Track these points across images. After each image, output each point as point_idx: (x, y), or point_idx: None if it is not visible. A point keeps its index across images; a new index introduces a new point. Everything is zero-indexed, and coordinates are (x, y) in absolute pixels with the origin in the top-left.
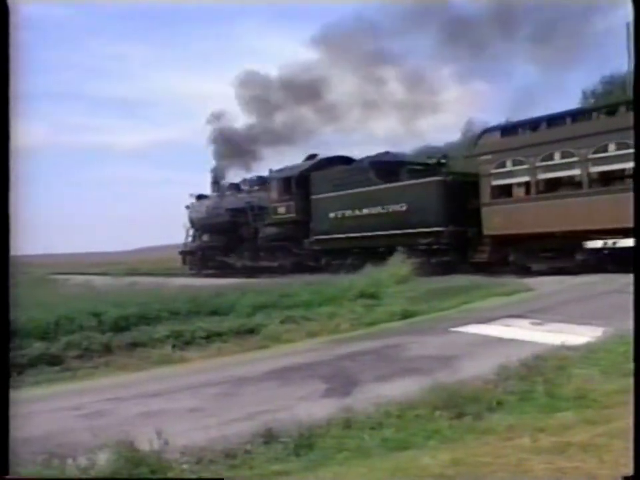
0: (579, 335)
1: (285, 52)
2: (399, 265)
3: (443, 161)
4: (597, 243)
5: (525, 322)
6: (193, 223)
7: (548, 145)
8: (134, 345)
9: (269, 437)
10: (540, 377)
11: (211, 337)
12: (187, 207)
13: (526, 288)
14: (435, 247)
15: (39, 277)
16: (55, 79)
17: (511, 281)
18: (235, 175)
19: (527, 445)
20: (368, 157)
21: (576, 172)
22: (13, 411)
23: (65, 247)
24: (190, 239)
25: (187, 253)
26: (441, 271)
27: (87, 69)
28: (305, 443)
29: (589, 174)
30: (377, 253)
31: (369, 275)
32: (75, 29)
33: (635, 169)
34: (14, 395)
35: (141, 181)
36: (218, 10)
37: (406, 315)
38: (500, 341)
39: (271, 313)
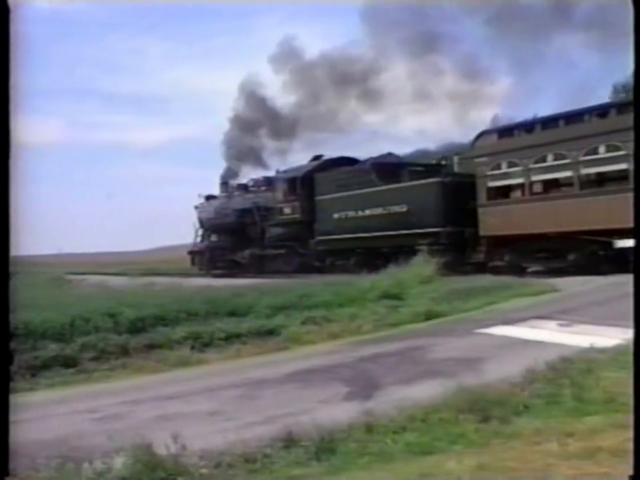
0: (607, 337)
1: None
2: (423, 264)
3: (443, 162)
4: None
5: (551, 323)
6: (201, 223)
7: (541, 147)
8: (151, 347)
9: (289, 440)
10: (568, 379)
11: (229, 338)
12: (196, 207)
13: (552, 288)
14: (433, 247)
15: (53, 277)
16: (70, 75)
17: (536, 281)
18: (252, 174)
19: (555, 450)
20: (370, 159)
21: (568, 174)
22: (27, 413)
23: (81, 246)
24: (199, 239)
25: (195, 253)
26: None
27: (103, 65)
28: (326, 447)
29: (579, 176)
30: (380, 253)
31: (392, 275)
32: (91, 23)
33: (635, 168)
34: (28, 397)
35: (158, 178)
36: (238, 4)
37: (430, 316)
38: (526, 342)
39: (291, 313)
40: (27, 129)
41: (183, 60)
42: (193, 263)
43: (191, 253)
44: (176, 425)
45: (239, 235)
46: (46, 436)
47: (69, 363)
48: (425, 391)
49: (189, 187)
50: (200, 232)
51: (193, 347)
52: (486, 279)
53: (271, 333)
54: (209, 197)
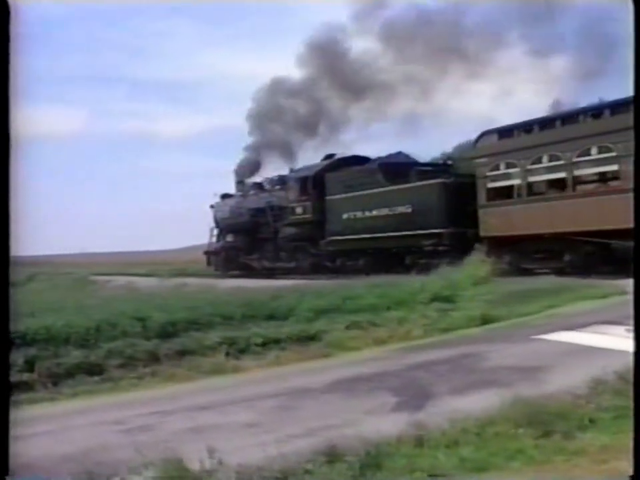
0: None
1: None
2: (478, 264)
3: (449, 162)
4: None
5: (619, 329)
6: (217, 222)
7: (537, 148)
8: (183, 353)
9: (332, 455)
10: None
11: (267, 344)
12: (212, 207)
13: (619, 290)
14: (437, 248)
15: (77, 278)
16: (94, 61)
17: (601, 282)
18: (274, 169)
19: (624, 469)
20: (379, 159)
21: (562, 175)
22: (48, 425)
23: (105, 245)
24: (214, 239)
25: (211, 254)
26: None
27: (128, 49)
28: (372, 462)
29: (574, 177)
30: (389, 254)
31: (443, 275)
32: (116, 5)
33: (635, 168)
34: (49, 407)
35: (188, 172)
36: None
37: (485, 321)
38: (591, 350)
39: (334, 317)
40: (46, 118)
41: (214, 43)
42: (208, 263)
43: (206, 253)
44: (210, 437)
45: (252, 235)
46: (69, 449)
47: (94, 370)
48: (480, 402)
49: (221, 181)
50: (215, 232)
51: (228, 354)
52: (545, 280)
53: (312, 338)
54: (225, 196)
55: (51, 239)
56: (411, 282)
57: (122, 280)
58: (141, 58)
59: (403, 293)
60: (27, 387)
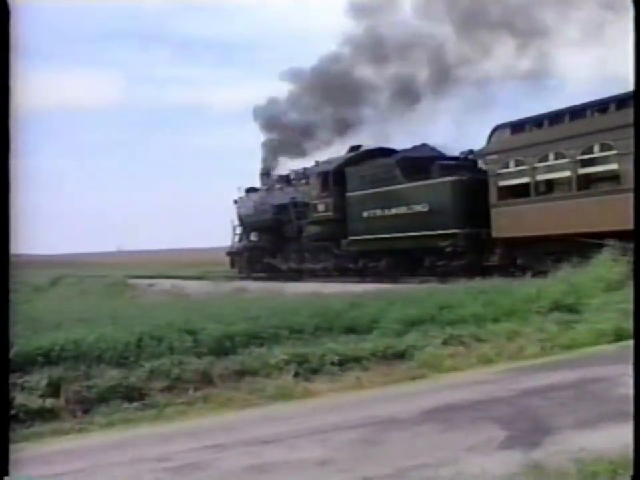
0: None
1: None
2: (608, 265)
3: (470, 157)
4: None
5: None
6: (241, 220)
7: (543, 145)
8: (242, 374)
9: None
10: None
11: (346, 362)
12: (235, 202)
13: None
14: (453, 249)
15: (112, 282)
16: (132, 18)
17: None
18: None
19: None
20: (400, 152)
21: (567, 174)
22: (77, 462)
23: (147, 242)
24: (237, 237)
25: (234, 254)
26: (462, 275)
27: (173, 5)
28: None
29: (578, 176)
30: (410, 255)
31: (565, 279)
32: None
33: (635, 168)
34: (79, 440)
35: (244, 150)
36: None
37: (619, 336)
38: None
39: (428, 330)
40: (76, 85)
41: None
42: (232, 265)
43: (229, 254)
44: (274, 477)
45: (276, 234)
46: None
47: (133, 394)
48: (613, 439)
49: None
50: (238, 230)
51: (297, 374)
52: None
53: (401, 356)
54: (250, 190)
55: (81, 234)
56: (524, 287)
57: (167, 284)
58: (189, 12)
59: (514, 300)
60: (51, 415)
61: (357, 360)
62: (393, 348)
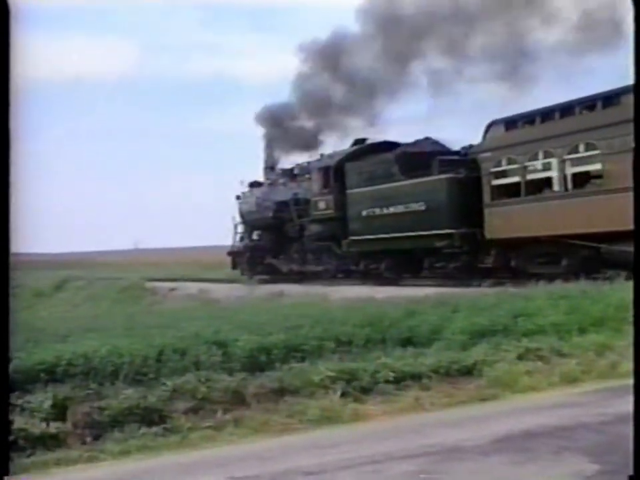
0: None
1: None
2: None
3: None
4: None
5: None
6: (243, 217)
7: (533, 143)
8: (280, 393)
9: None
10: None
11: (403, 380)
12: (238, 198)
13: None
14: (450, 250)
15: (128, 286)
16: None
17: None
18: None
19: None
20: (402, 146)
21: (555, 173)
22: None
23: (168, 239)
24: (238, 236)
25: (235, 255)
26: (459, 277)
27: None
28: None
29: (565, 176)
30: (410, 257)
31: None
32: None
33: (634, 168)
34: (87, 471)
35: None
36: None
37: None
38: None
39: (500, 342)
40: (88, 52)
41: None
42: (234, 266)
43: (231, 254)
44: None
45: (278, 233)
46: None
47: (152, 417)
48: None
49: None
50: (240, 228)
51: (345, 394)
52: None
53: (468, 372)
54: (254, 185)
55: (90, 230)
56: (614, 291)
57: (192, 288)
58: None
59: (604, 306)
60: (56, 441)
61: (416, 377)
62: (458, 363)
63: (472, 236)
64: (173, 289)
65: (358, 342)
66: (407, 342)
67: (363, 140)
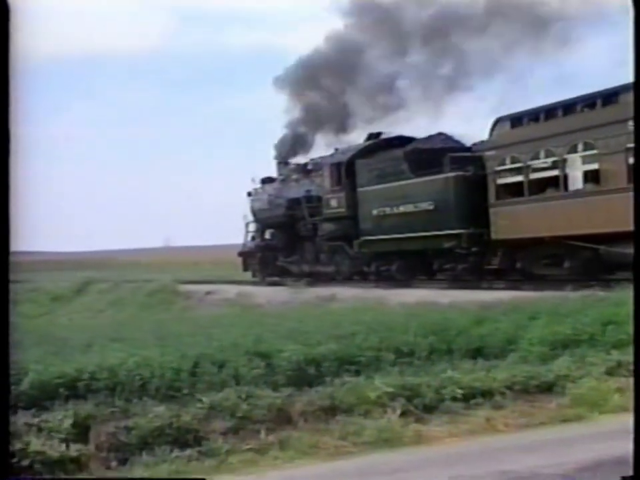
0: None
1: None
2: None
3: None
4: None
5: None
6: (254, 215)
7: (536, 141)
8: (331, 411)
9: None
10: None
11: (472, 397)
12: (249, 195)
13: None
14: (458, 251)
15: (159, 289)
16: None
17: None
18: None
19: None
20: (413, 143)
21: (556, 173)
22: None
23: (201, 235)
24: (249, 236)
25: (246, 255)
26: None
27: None
28: None
29: (565, 176)
30: (422, 258)
31: None
32: None
33: (634, 169)
34: None
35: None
36: None
37: None
38: None
39: (586, 354)
40: (113, 27)
41: None
42: (245, 267)
43: (241, 254)
44: None
45: (290, 232)
46: None
47: (186, 438)
48: None
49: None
50: (251, 227)
51: (405, 413)
52: None
53: (548, 389)
54: (266, 181)
55: (116, 226)
56: None
57: (231, 291)
58: None
59: None
60: (76, 466)
61: (487, 394)
62: (537, 378)
63: (479, 236)
64: (208, 293)
65: (420, 353)
66: (476, 353)
67: (378, 134)
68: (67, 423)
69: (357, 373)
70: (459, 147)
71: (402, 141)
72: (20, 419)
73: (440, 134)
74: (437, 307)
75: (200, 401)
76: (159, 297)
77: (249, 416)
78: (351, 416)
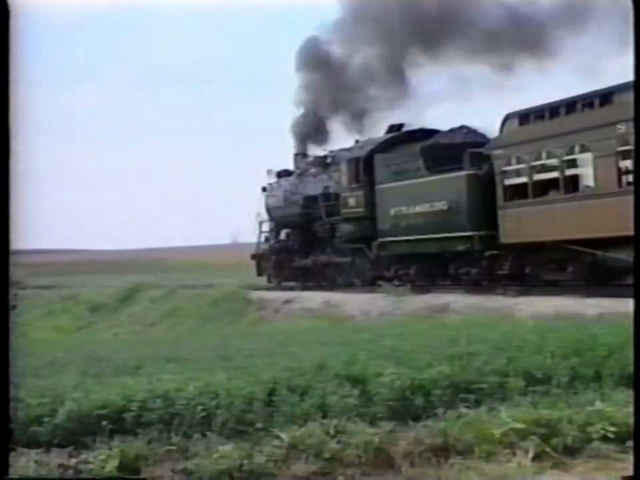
0: None
1: None
2: None
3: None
4: None
5: None
6: (269, 212)
7: (539, 141)
8: (444, 452)
9: None
10: None
11: (627, 438)
12: (264, 190)
13: None
14: (470, 254)
15: (225, 296)
16: None
17: None
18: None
19: None
20: (433, 137)
21: (556, 175)
22: None
23: None
24: (263, 236)
25: (259, 257)
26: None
27: None
28: None
29: (565, 178)
30: (439, 261)
31: None
32: None
33: (635, 169)
34: None
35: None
36: None
37: None
38: None
39: None
40: None
41: None
42: (259, 272)
43: (254, 257)
44: None
45: (306, 233)
46: None
47: None
48: None
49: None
50: (265, 226)
51: (539, 455)
52: None
53: None
54: (282, 174)
55: (171, 221)
56: None
57: (315, 298)
58: None
59: None
60: None
61: None
62: None
63: (492, 239)
64: (287, 301)
65: (560, 377)
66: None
67: (400, 126)
68: (112, 464)
69: (477, 403)
70: (480, 141)
71: (424, 133)
72: (53, 460)
73: (462, 127)
74: (576, 318)
75: (277, 437)
76: (225, 306)
77: (339, 457)
78: (469, 458)
